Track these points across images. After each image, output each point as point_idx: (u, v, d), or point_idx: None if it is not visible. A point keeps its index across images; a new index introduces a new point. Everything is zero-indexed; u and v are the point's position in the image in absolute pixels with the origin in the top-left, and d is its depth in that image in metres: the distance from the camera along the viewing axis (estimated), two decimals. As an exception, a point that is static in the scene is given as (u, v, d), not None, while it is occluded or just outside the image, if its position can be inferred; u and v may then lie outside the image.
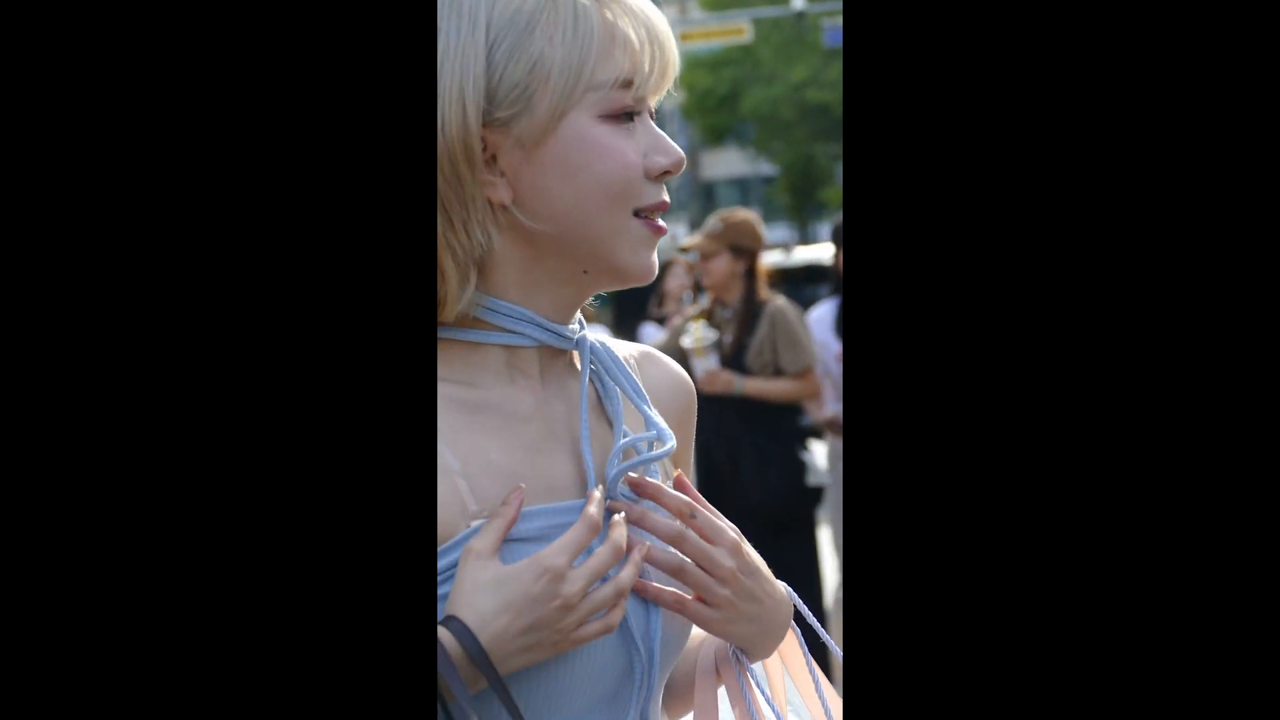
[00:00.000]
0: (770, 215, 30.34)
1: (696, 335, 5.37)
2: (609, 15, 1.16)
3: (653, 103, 1.20)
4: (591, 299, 1.25)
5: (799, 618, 1.34)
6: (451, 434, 1.15)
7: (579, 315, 1.24)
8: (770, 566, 1.28)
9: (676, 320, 6.33)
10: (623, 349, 1.29)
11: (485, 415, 1.18)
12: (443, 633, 1.06)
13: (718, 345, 5.35)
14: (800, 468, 5.55)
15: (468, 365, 1.19)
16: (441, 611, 1.10)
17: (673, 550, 1.17)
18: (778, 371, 5.38)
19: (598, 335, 1.29)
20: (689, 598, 1.18)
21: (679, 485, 1.21)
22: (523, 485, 1.13)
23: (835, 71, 27.10)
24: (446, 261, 1.14)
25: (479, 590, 1.08)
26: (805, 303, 6.98)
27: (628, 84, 1.16)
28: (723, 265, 5.39)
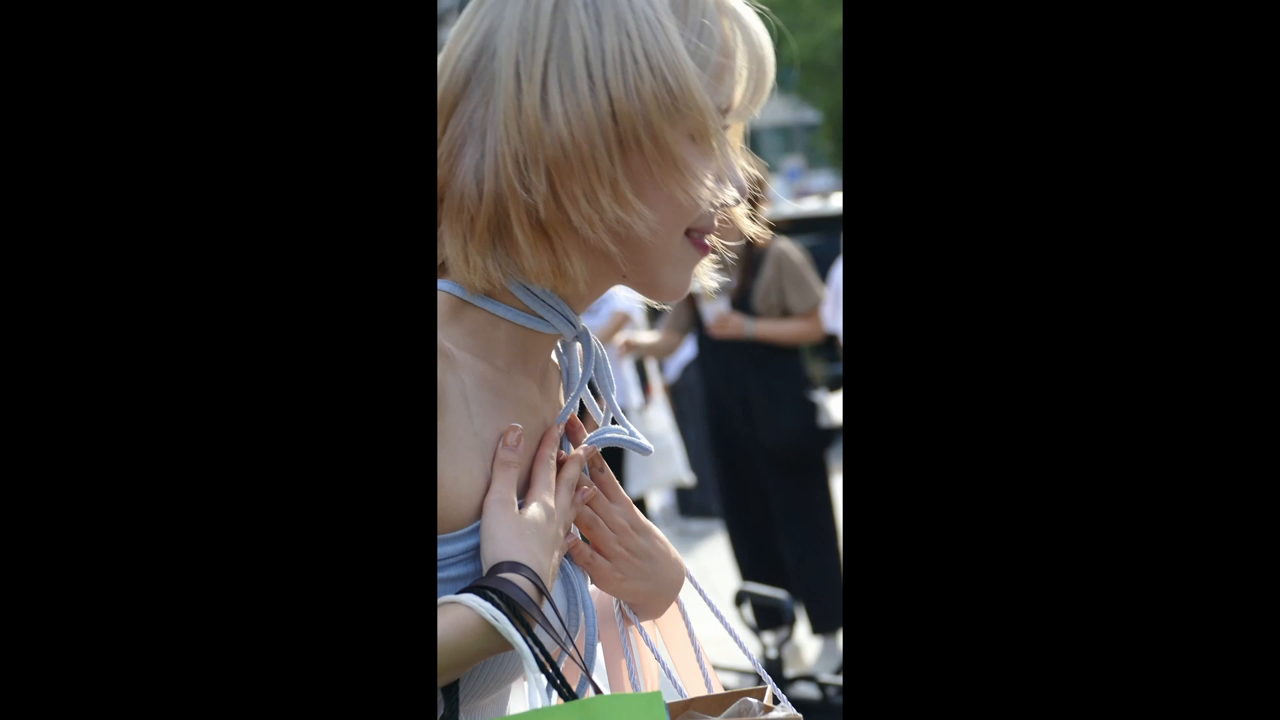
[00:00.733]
0: (814, 163, 30.25)
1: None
2: (728, 29, 1.13)
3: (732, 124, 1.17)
4: None
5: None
6: (482, 413, 1.15)
7: None
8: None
9: None
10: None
11: (503, 399, 1.18)
12: (515, 578, 1.08)
13: (725, 289, 5.26)
14: (812, 409, 5.46)
15: (491, 342, 1.17)
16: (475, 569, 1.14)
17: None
18: (785, 313, 5.27)
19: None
20: (588, 551, 1.21)
21: (577, 430, 1.24)
22: (519, 425, 1.16)
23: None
24: (600, 232, 1.12)
25: (523, 535, 1.11)
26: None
27: (725, 111, 1.13)
28: None
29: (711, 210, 1.16)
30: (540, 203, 1.10)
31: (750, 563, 5.66)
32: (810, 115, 36.67)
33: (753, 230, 1.27)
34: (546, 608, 1.09)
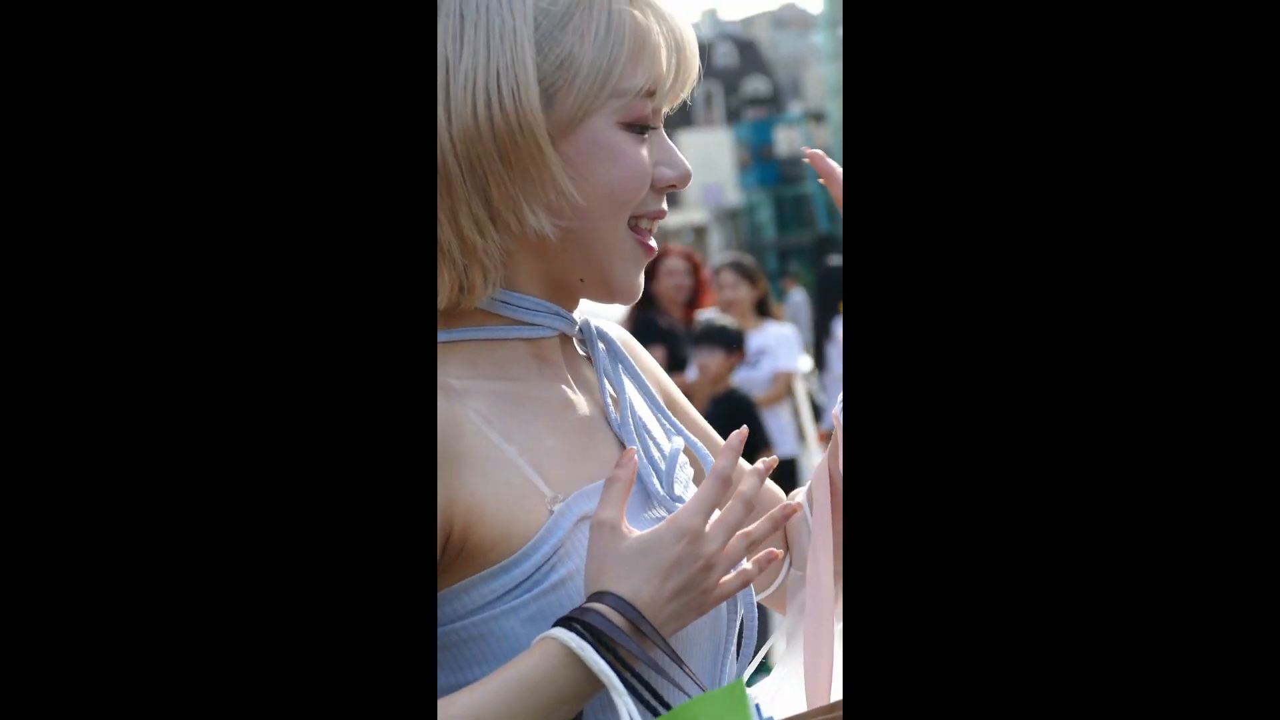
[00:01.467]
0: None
1: None
2: (641, 19, 1.15)
3: (666, 111, 1.19)
4: None
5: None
6: (504, 428, 1.14)
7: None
8: None
9: None
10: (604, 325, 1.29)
11: (527, 405, 1.18)
12: (604, 610, 1.07)
13: None
14: None
15: (497, 362, 1.18)
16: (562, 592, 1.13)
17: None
18: None
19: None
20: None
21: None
22: (634, 448, 1.18)
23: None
24: (488, 244, 1.14)
25: (622, 561, 1.10)
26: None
27: (650, 94, 1.16)
28: None
29: (652, 193, 1.18)
30: None
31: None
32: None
33: None
34: (622, 634, 1.07)
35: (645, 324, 6.06)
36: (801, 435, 6.96)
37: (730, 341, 5.79)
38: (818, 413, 7.46)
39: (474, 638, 1.12)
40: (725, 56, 49.26)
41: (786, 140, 42.81)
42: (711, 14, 55.39)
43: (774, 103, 50.56)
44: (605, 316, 1.42)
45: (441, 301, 1.15)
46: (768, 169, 43.12)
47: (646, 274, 1.29)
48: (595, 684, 1.07)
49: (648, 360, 1.36)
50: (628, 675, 1.08)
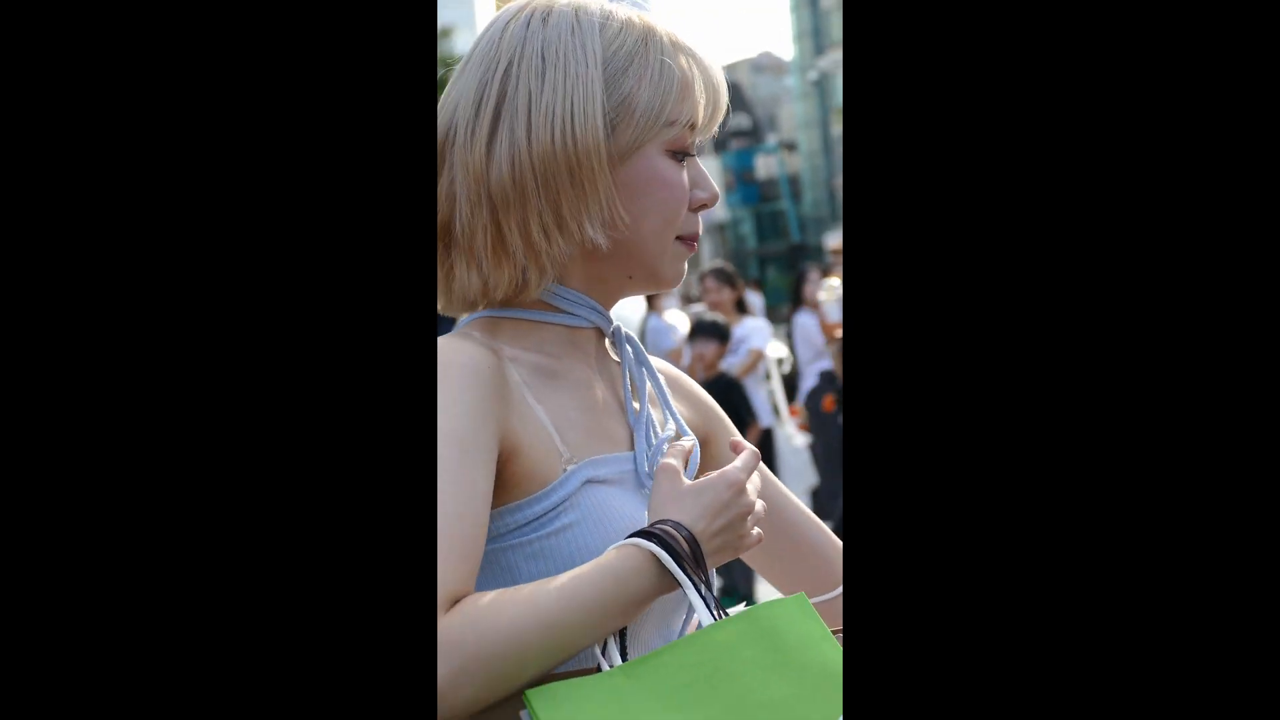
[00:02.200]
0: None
1: (830, 287, 6.30)
2: (684, 65, 1.26)
3: (699, 140, 1.30)
4: None
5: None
6: (538, 393, 1.24)
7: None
8: None
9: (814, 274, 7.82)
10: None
11: (560, 380, 1.27)
12: (667, 528, 1.15)
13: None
14: None
15: (539, 340, 1.27)
16: (560, 559, 1.20)
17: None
18: None
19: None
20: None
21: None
22: (693, 436, 1.30)
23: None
24: (551, 250, 1.23)
25: (681, 497, 1.19)
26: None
27: (692, 127, 1.26)
28: None
29: (690, 214, 1.28)
30: (481, 230, 1.23)
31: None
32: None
33: None
34: (676, 556, 1.15)
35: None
36: (775, 410, 7.90)
37: (722, 335, 6.72)
38: (790, 393, 8.19)
39: (484, 564, 1.18)
40: None
41: (764, 166, 48.52)
42: None
43: (754, 134, 52.89)
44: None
45: (500, 294, 1.24)
46: (749, 190, 49.18)
47: None
48: (662, 588, 1.14)
49: (693, 391, 1.46)
50: (697, 580, 1.15)
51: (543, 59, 1.22)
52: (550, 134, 1.21)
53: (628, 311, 7.14)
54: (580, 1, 1.25)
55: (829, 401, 6.81)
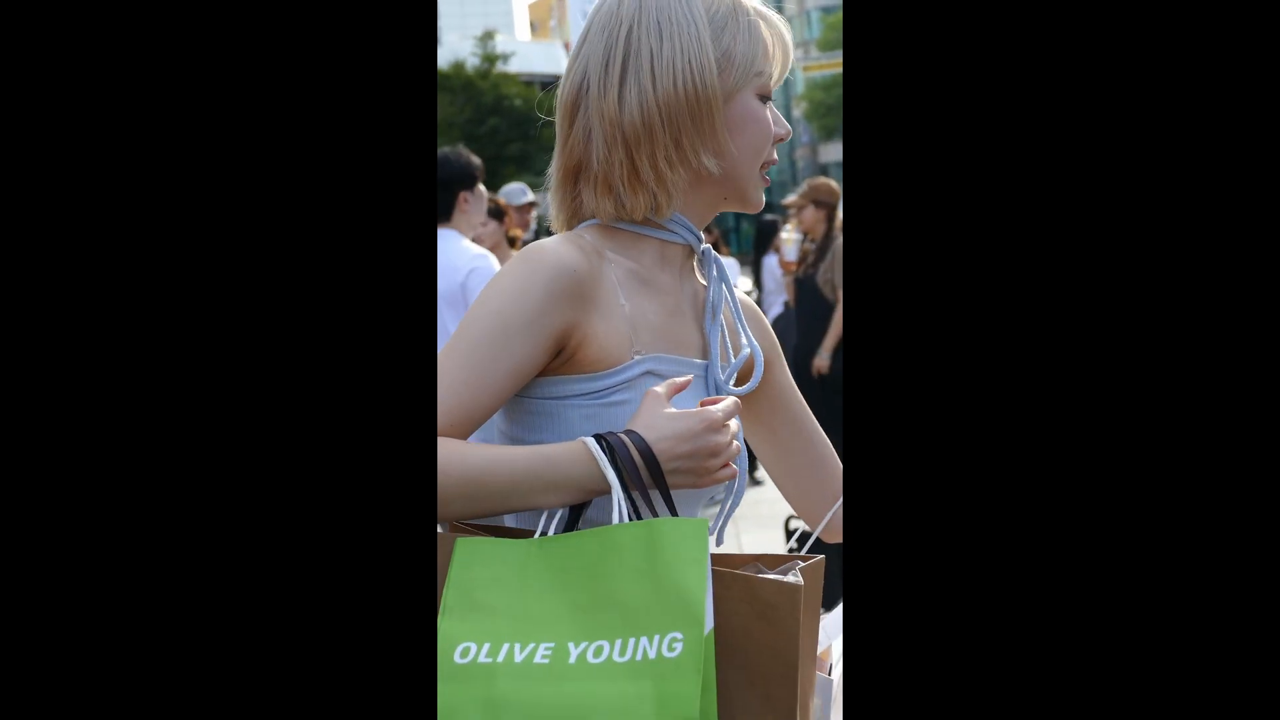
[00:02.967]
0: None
1: (789, 234, 7.30)
2: (764, 28, 1.43)
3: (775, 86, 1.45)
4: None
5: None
6: (629, 292, 1.37)
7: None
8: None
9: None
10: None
11: (647, 286, 1.40)
12: (625, 439, 1.26)
13: (799, 246, 6.92)
14: None
15: (639, 251, 1.42)
16: (611, 427, 1.30)
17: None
18: (834, 289, 6.45)
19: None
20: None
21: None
22: (689, 377, 1.35)
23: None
24: (676, 177, 1.37)
25: (656, 418, 1.28)
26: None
27: (771, 76, 1.43)
28: (809, 213, 6.71)
29: (771, 146, 1.43)
30: (618, 165, 1.37)
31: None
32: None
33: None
34: (630, 461, 1.24)
35: None
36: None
37: None
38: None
39: (546, 413, 1.34)
40: None
41: None
42: None
43: None
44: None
45: (639, 215, 1.38)
46: None
47: None
48: (597, 484, 1.24)
49: (760, 320, 1.56)
50: (630, 485, 1.23)
51: (658, 23, 1.36)
52: (673, 82, 1.35)
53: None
54: None
55: None
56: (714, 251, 1.47)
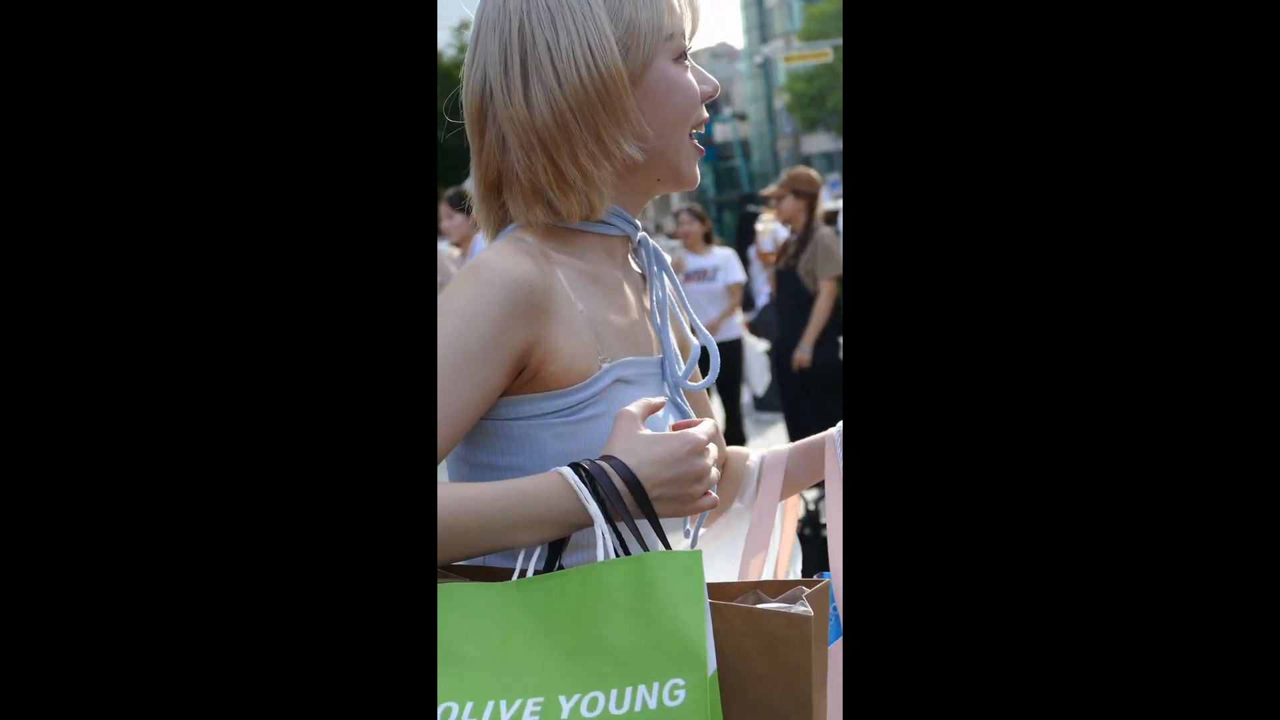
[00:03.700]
0: (847, 175, 36.67)
1: (767, 222, 7.25)
2: None
3: (691, 43, 1.36)
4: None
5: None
6: (583, 296, 1.29)
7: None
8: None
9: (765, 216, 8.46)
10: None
11: (597, 284, 1.32)
12: (606, 466, 1.17)
13: (775, 237, 6.89)
14: (838, 346, 6.39)
15: (579, 248, 1.33)
16: (585, 444, 1.22)
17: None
18: (814, 279, 6.38)
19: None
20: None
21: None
22: (663, 400, 1.26)
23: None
24: (603, 173, 1.28)
25: (634, 441, 1.19)
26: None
27: (684, 34, 1.33)
28: (789, 203, 6.55)
29: (701, 105, 1.34)
30: (541, 170, 1.28)
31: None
32: (847, 146, 44.27)
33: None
34: (614, 490, 1.15)
35: None
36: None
37: None
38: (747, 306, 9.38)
39: (514, 436, 1.24)
40: None
41: (721, 132, 57.21)
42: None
43: (712, 107, 58.40)
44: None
45: (575, 219, 1.29)
46: (710, 151, 57.75)
47: None
48: (578, 517, 1.15)
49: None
50: (615, 517, 1.14)
51: (549, 10, 1.26)
52: (576, 72, 1.25)
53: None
54: None
55: None
56: (652, 242, 1.39)
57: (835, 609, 1.26)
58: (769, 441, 8.56)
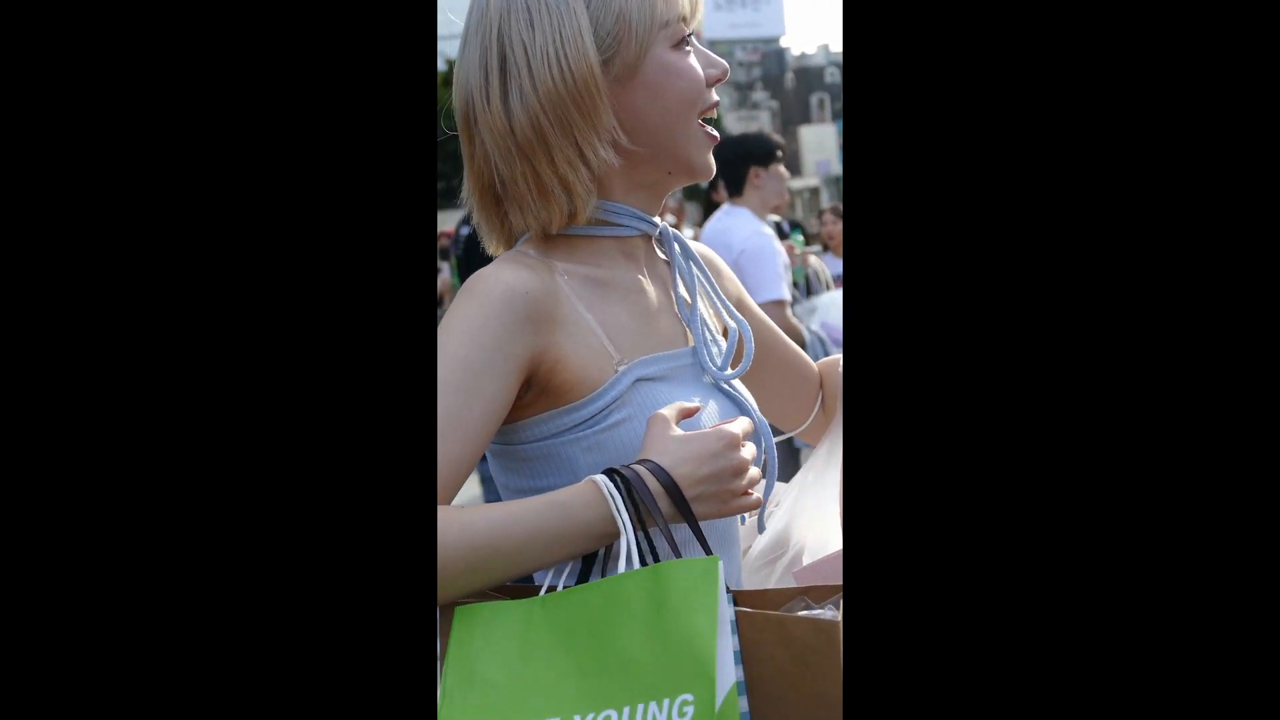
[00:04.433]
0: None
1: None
2: None
3: (693, 27, 1.31)
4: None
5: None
6: (589, 303, 1.26)
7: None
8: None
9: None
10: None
11: (607, 288, 1.29)
12: (641, 470, 1.13)
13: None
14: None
15: (591, 253, 1.30)
16: (616, 452, 1.20)
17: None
18: None
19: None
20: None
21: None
22: (699, 404, 1.24)
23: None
24: (580, 179, 1.24)
25: (669, 443, 1.16)
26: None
27: (683, 18, 1.28)
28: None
29: (706, 90, 1.29)
30: (522, 179, 1.25)
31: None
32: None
33: None
34: (648, 495, 1.11)
35: None
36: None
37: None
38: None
39: (544, 456, 1.23)
40: (833, 75, 60.23)
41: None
42: (825, 48, 67.39)
43: None
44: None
45: (556, 227, 1.25)
46: None
47: None
48: (610, 526, 1.11)
49: (725, 270, 1.46)
50: (637, 527, 1.11)
51: (528, 10, 1.23)
52: (550, 75, 1.22)
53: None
54: None
55: None
56: (673, 232, 1.35)
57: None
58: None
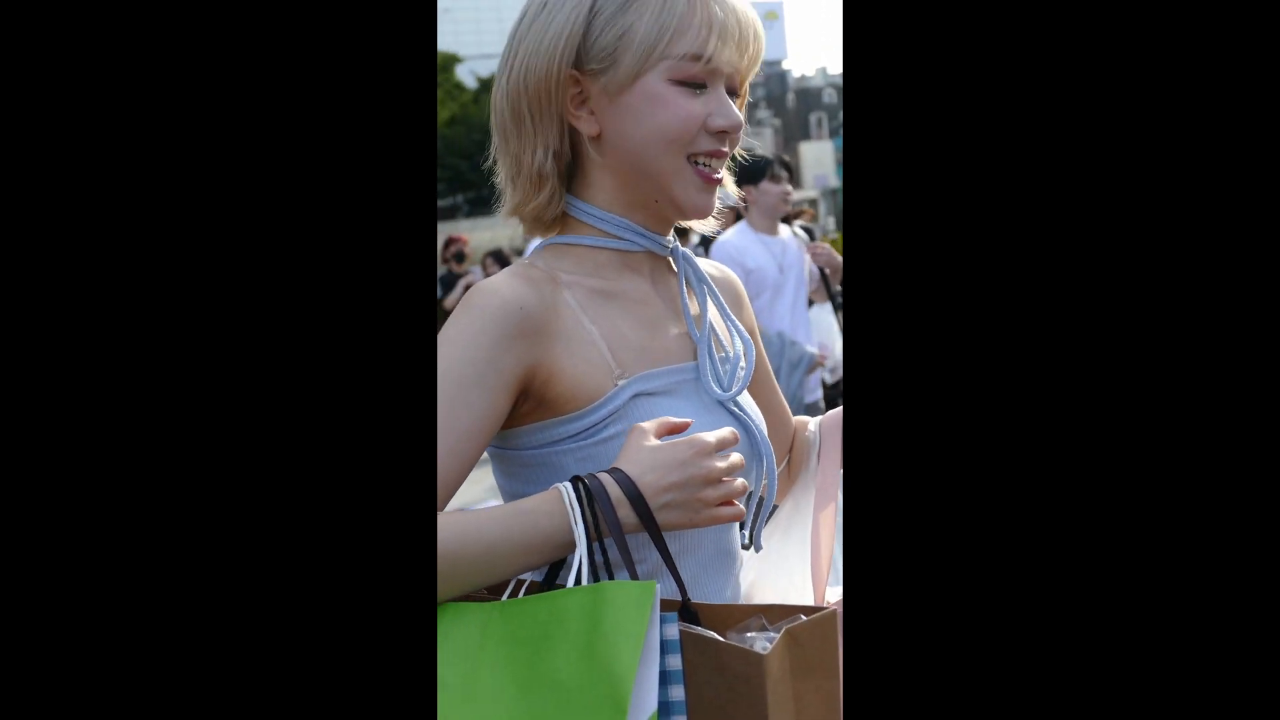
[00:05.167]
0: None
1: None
2: (689, 3, 1.22)
3: (748, 78, 1.29)
4: None
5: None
6: (592, 314, 1.25)
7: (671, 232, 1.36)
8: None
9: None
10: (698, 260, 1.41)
11: (613, 300, 1.27)
12: (605, 478, 1.11)
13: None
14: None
15: (592, 264, 1.29)
16: (593, 467, 1.18)
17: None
18: None
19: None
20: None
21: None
22: (691, 420, 1.20)
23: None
24: (547, 172, 1.25)
25: (640, 452, 1.13)
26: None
27: (697, 58, 1.23)
28: None
29: (707, 135, 1.24)
30: (502, 155, 1.29)
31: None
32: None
33: None
34: (608, 503, 1.09)
35: None
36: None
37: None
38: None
39: (539, 464, 1.22)
40: (830, 96, 61.60)
41: None
42: (823, 70, 67.92)
43: None
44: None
45: (549, 213, 1.27)
46: None
47: None
48: (565, 536, 1.09)
49: (745, 299, 1.45)
50: (594, 538, 1.08)
51: (542, 8, 1.25)
52: (523, 71, 1.24)
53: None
54: None
55: None
56: (684, 250, 1.35)
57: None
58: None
